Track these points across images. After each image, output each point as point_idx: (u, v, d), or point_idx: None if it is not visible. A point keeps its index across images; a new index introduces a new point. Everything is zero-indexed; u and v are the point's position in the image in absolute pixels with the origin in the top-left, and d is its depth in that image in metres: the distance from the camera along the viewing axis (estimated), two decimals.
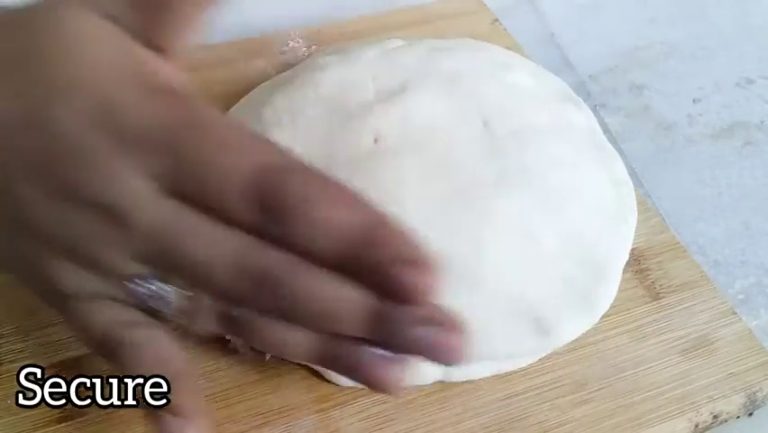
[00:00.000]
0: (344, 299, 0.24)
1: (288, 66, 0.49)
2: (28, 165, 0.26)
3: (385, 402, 0.34)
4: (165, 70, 0.28)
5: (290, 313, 0.25)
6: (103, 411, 0.33)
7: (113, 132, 0.25)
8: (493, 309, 0.35)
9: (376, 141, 0.38)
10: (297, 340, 0.26)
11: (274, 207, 0.24)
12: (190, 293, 0.26)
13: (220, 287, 0.25)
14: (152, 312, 0.27)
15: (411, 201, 0.36)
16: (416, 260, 0.24)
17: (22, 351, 0.35)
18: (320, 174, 0.25)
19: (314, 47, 0.51)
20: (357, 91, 0.41)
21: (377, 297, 0.24)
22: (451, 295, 0.34)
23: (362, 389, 0.34)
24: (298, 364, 0.35)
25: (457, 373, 0.34)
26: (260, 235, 0.24)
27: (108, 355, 0.27)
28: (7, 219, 0.27)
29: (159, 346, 0.28)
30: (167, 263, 0.26)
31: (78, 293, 0.27)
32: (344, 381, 0.34)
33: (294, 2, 0.57)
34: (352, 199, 0.25)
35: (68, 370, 0.35)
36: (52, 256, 0.27)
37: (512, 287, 0.35)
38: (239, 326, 0.26)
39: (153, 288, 0.26)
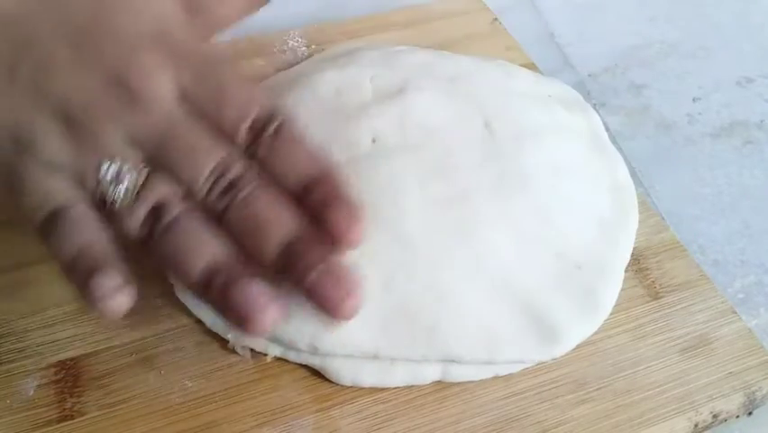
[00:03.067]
0: (281, 218, 0.30)
1: (288, 66, 0.50)
2: (76, 32, 0.32)
3: (385, 402, 0.34)
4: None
5: (234, 214, 0.31)
6: (103, 411, 0.33)
7: (162, 46, 0.32)
8: (495, 315, 0.35)
9: (374, 141, 0.38)
10: (202, 251, 0.30)
11: (262, 137, 0.31)
12: (146, 180, 0.31)
13: (195, 177, 0.31)
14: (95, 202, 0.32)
15: (409, 202, 0.36)
16: (353, 204, 0.30)
17: (21, 351, 0.35)
18: (298, 129, 0.32)
19: (314, 47, 0.51)
20: (355, 92, 0.41)
21: (305, 232, 0.30)
22: (450, 295, 0.35)
23: (362, 389, 0.34)
24: (298, 364, 0.35)
25: (457, 374, 0.34)
26: (244, 154, 0.31)
27: (42, 226, 0.31)
28: (23, 72, 0.32)
29: (89, 226, 0.31)
30: (157, 149, 0.31)
31: (47, 159, 0.31)
32: (344, 380, 0.34)
33: (294, 2, 0.57)
34: (315, 151, 0.32)
35: (67, 369, 0.35)
36: (46, 116, 0.32)
37: (513, 292, 0.35)
38: (161, 226, 0.31)
39: (118, 169, 0.31)
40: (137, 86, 0.31)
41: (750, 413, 0.35)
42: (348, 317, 0.30)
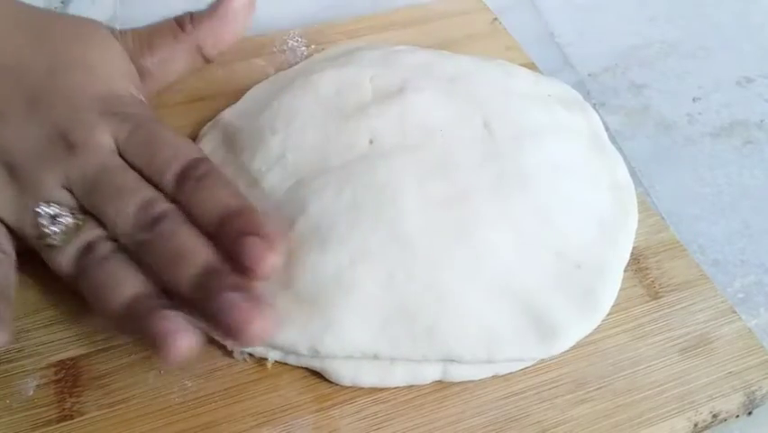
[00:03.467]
0: (196, 250, 0.32)
1: (288, 66, 0.50)
2: (33, 89, 0.36)
3: (384, 402, 0.34)
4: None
5: (154, 247, 0.32)
6: (102, 411, 0.33)
7: (106, 105, 0.36)
8: (495, 315, 0.35)
9: (371, 142, 0.38)
10: (126, 286, 0.32)
11: (187, 181, 0.34)
12: (80, 222, 0.34)
13: (120, 214, 0.33)
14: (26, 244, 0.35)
15: (408, 202, 0.36)
16: (269, 237, 0.32)
17: (21, 350, 0.35)
18: (223, 175, 0.35)
19: (314, 47, 0.51)
20: (354, 92, 0.41)
21: (218, 263, 0.32)
22: (450, 295, 0.35)
23: (361, 388, 0.34)
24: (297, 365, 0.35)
25: (457, 374, 0.34)
26: (168, 196, 0.34)
27: None
28: None
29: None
30: (91, 193, 0.34)
31: None
32: (344, 381, 0.34)
33: (294, 2, 0.57)
34: (237, 191, 0.34)
35: (67, 369, 0.35)
36: None
37: (513, 292, 0.35)
38: (88, 263, 0.33)
39: (54, 211, 0.34)
40: (76, 138, 0.35)
41: (750, 413, 0.35)
42: (252, 343, 0.31)
